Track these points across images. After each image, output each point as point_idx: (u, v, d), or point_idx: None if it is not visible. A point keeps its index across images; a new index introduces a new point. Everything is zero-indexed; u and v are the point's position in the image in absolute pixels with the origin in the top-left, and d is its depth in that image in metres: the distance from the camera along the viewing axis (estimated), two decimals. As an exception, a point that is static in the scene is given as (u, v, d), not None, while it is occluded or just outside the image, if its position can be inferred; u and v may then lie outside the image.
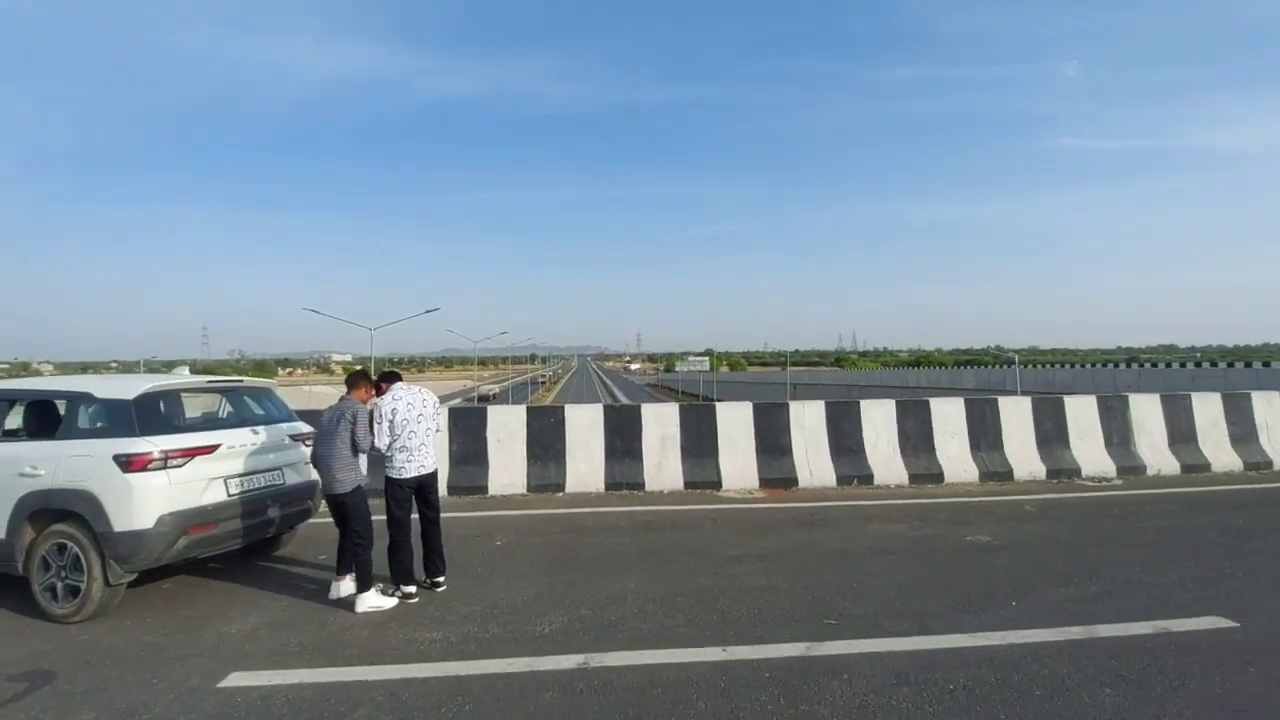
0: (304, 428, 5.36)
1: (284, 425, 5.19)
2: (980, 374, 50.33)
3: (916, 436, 8.56)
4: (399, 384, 4.61)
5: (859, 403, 8.59)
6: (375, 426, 4.45)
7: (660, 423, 8.29)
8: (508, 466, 7.98)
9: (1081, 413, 8.98)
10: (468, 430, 8.04)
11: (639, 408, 8.44)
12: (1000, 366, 53.82)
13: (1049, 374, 43.52)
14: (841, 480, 8.18)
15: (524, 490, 7.85)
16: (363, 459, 4.57)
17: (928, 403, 8.73)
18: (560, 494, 7.82)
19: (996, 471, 8.46)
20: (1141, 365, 45.40)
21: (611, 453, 8.14)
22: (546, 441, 8.10)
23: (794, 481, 8.11)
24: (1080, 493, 7.82)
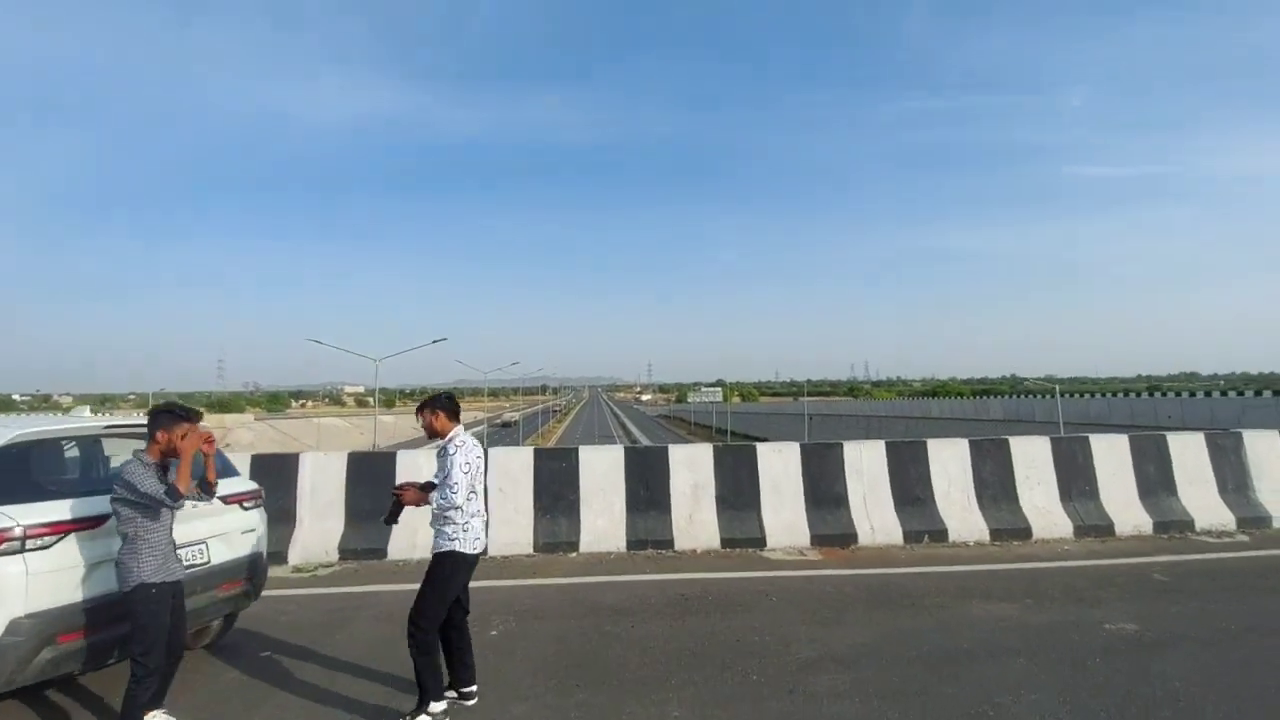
0: (243, 485, 4.15)
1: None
2: (1007, 404, 48.50)
3: (996, 483, 7.19)
4: (459, 427, 3.47)
5: (925, 443, 7.26)
6: (448, 478, 3.27)
7: (691, 467, 7.00)
8: (511, 521, 6.70)
9: (1187, 453, 7.58)
10: (464, 477, 6.79)
11: (666, 450, 7.17)
12: (1025, 396, 51.87)
13: (1081, 404, 41.61)
14: (909, 537, 6.82)
15: (530, 550, 6.56)
16: (154, 550, 3.05)
17: (1007, 442, 7.38)
18: (574, 554, 6.52)
19: (1094, 525, 7.05)
20: (1178, 394, 43.44)
21: (634, 504, 6.84)
22: (557, 491, 6.83)
23: (852, 538, 6.76)
24: (1205, 553, 6.40)
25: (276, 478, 6.65)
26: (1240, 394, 36.95)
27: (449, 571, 3.31)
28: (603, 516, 6.76)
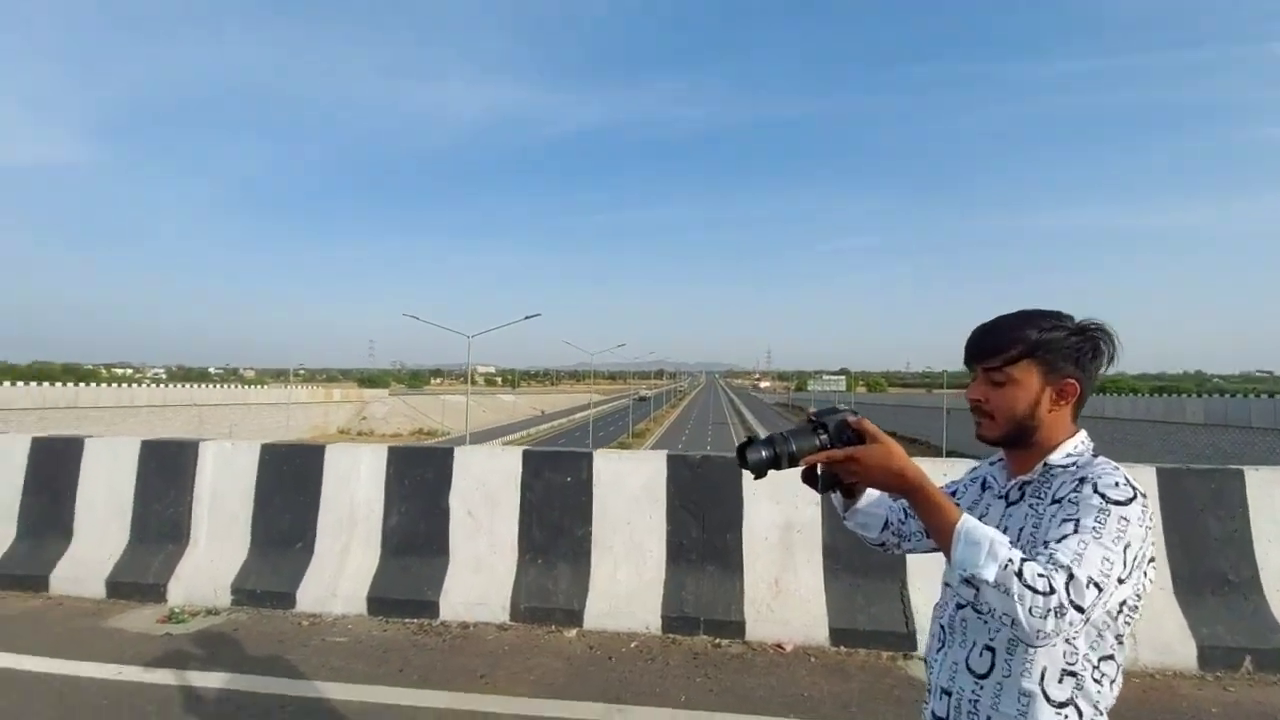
0: None
1: None
2: (1209, 405, 39.75)
3: (1393, 559, 3.67)
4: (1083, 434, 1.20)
5: (1242, 473, 3.85)
6: (1080, 556, 0.97)
7: (779, 495, 4.12)
8: (481, 563, 4.20)
9: None
10: (418, 491, 4.38)
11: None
12: (1223, 395, 42.17)
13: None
14: (1209, 656, 3.51)
15: (505, 616, 4.03)
16: None
17: None
18: (573, 632, 3.91)
19: None
20: None
21: (680, 551, 4.10)
22: (558, 520, 4.24)
23: (1088, 647, 3.58)
24: None
25: (170, 474, 4.64)
26: None
27: None
28: (626, 567, 4.08)
